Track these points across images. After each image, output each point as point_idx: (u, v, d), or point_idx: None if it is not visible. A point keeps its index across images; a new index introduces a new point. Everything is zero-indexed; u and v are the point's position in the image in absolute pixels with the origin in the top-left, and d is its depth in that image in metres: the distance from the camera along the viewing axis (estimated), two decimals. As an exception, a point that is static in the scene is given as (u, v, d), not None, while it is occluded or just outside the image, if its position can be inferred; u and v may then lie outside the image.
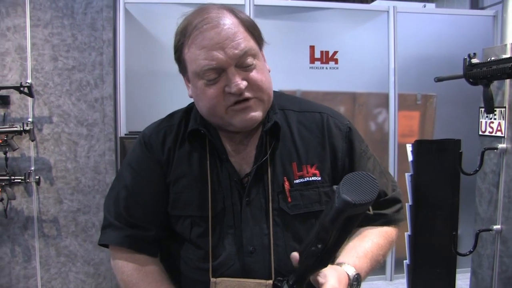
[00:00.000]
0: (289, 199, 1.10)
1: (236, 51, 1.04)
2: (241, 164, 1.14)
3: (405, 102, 4.22)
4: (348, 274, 0.98)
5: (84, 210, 3.81)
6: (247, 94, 1.05)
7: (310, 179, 1.12)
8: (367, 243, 1.10)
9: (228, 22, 1.06)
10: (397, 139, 4.17)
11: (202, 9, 1.09)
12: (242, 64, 1.05)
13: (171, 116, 1.23)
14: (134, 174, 1.17)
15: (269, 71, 1.15)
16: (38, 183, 3.66)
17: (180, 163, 1.15)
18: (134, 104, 3.81)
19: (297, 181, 1.12)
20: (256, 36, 1.11)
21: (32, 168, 3.68)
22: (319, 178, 1.13)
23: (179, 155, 1.15)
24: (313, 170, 1.13)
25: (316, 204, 1.12)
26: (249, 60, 1.06)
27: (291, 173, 1.12)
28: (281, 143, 1.13)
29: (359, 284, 1.00)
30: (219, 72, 1.05)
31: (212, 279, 1.08)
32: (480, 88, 1.74)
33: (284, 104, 1.20)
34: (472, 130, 2.20)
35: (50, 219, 3.79)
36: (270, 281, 1.06)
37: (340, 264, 1.01)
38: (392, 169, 4.19)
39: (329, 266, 0.94)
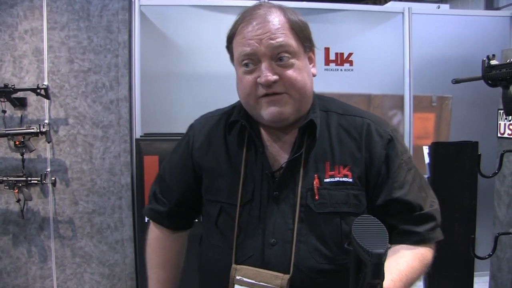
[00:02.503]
0: (317, 197, 1.11)
1: (272, 42, 1.07)
2: (276, 158, 1.16)
3: (420, 104, 4.19)
4: None
5: (100, 212, 3.84)
6: (277, 89, 1.08)
7: (341, 179, 1.12)
8: (402, 266, 1.07)
9: (274, 19, 1.10)
10: (413, 141, 4.14)
11: (255, 6, 1.15)
12: (278, 59, 1.09)
13: (219, 109, 1.32)
14: (170, 155, 1.34)
15: (314, 76, 1.19)
16: (54, 184, 3.70)
17: (217, 150, 1.21)
18: (149, 106, 3.84)
19: (327, 180, 1.12)
20: (301, 37, 1.14)
21: (48, 170, 3.71)
22: (351, 180, 1.13)
23: (217, 142, 1.22)
24: (345, 171, 1.13)
25: (344, 206, 1.12)
26: (286, 56, 1.09)
27: (323, 172, 1.12)
28: (318, 143, 1.14)
29: None
30: (255, 62, 1.10)
31: (233, 265, 1.12)
32: (497, 90, 1.72)
33: (329, 106, 1.22)
34: (488, 132, 2.17)
35: (66, 220, 3.82)
36: (288, 276, 1.08)
37: None
38: (407, 171, 4.16)
39: None
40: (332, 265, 1.12)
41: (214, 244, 1.19)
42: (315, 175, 1.12)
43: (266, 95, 1.08)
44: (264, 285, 1.08)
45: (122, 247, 3.89)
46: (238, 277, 1.10)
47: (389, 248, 0.84)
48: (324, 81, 3.92)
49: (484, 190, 2.40)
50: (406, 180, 1.15)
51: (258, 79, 1.08)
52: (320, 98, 1.22)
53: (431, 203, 1.19)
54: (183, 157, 1.28)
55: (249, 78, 1.10)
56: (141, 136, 3.67)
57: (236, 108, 1.23)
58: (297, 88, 1.10)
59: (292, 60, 1.10)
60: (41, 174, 3.63)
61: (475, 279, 2.36)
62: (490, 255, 1.80)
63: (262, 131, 1.18)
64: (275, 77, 1.07)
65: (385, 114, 4.16)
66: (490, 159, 1.78)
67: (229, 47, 1.19)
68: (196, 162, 1.24)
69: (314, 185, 1.11)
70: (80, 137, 3.75)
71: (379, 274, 0.82)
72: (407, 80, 4.11)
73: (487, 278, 2.03)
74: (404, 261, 1.08)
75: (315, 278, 1.10)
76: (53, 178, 3.67)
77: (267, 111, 1.09)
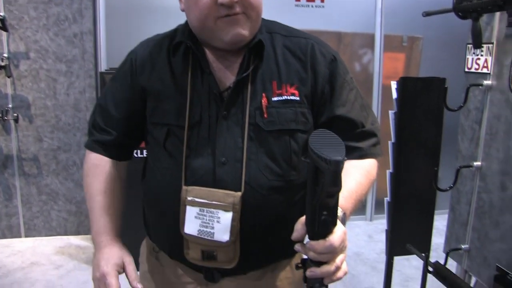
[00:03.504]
0: (265, 115, 1.11)
1: None
2: (223, 79, 1.14)
3: (390, 44, 4.17)
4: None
5: (65, 148, 3.77)
6: (238, 9, 1.05)
7: (289, 97, 1.13)
8: (351, 183, 1.10)
9: None
10: (382, 80, 4.16)
11: None
12: None
13: (159, 34, 1.26)
14: (110, 83, 1.28)
15: None
16: (16, 120, 3.59)
17: (161, 73, 1.17)
18: (115, 40, 3.70)
19: (275, 98, 1.12)
20: None
21: (10, 106, 3.59)
22: (298, 98, 1.13)
23: (161, 64, 1.17)
24: (292, 90, 1.13)
25: (292, 123, 1.13)
26: None
27: (270, 91, 1.12)
28: (264, 63, 1.14)
29: (344, 224, 1.01)
30: None
31: (184, 187, 1.11)
32: (467, 29, 1.71)
33: (273, 27, 1.20)
34: (457, 74, 2.17)
35: (30, 158, 3.75)
36: (239, 193, 1.09)
37: None
38: (375, 110, 4.20)
39: None
40: (282, 182, 1.14)
41: (163, 167, 1.18)
42: (263, 94, 1.12)
43: (227, 15, 1.04)
44: (216, 203, 1.09)
45: (89, 184, 3.86)
46: (189, 198, 1.10)
47: (345, 160, 0.84)
48: (294, 17, 3.84)
49: (449, 127, 2.44)
50: (349, 98, 1.18)
51: (219, 0, 1.04)
52: (263, 20, 1.20)
53: (372, 122, 1.22)
54: (126, 83, 1.22)
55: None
56: (106, 71, 3.56)
57: (179, 31, 1.19)
58: (253, 7, 1.07)
59: None
60: (2, 110, 3.52)
61: (435, 217, 2.43)
62: (451, 187, 1.84)
63: (208, 53, 1.15)
64: None
65: (355, 52, 4.14)
66: (458, 99, 1.79)
67: None
68: (140, 85, 1.20)
69: (263, 103, 1.11)
70: (42, 72, 3.62)
71: (338, 181, 0.83)
72: (378, 18, 4.07)
73: (446, 216, 2.09)
74: (352, 179, 1.11)
75: (266, 195, 1.12)
76: (15, 115, 3.57)
77: (227, 32, 1.06)
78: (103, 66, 3.68)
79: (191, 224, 1.11)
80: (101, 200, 1.24)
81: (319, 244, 0.88)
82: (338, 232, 0.90)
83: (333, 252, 0.90)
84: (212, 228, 1.10)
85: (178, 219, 1.12)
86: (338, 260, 0.91)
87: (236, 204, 1.08)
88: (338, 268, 0.92)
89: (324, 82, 1.15)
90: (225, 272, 1.18)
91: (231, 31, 1.06)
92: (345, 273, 0.94)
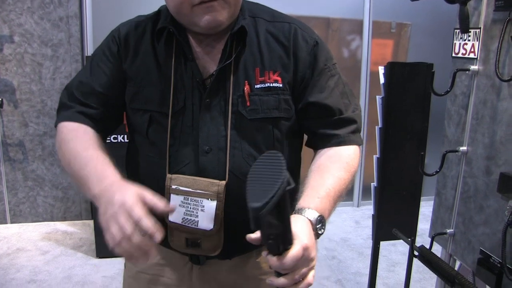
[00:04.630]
0: (248, 103, 1.10)
1: None
2: (206, 66, 1.13)
3: (379, 30, 4.17)
4: (310, 220, 0.97)
5: (51, 134, 3.73)
6: None
7: (272, 85, 1.11)
8: (328, 180, 1.07)
9: None
10: (370, 66, 4.16)
11: None
12: None
13: (142, 15, 1.22)
14: (92, 61, 1.21)
15: None
16: (1, 105, 3.55)
17: (144, 58, 1.14)
18: (101, 23, 3.64)
19: (258, 86, 1.11)
20: None
21: (-5, 90, 3.55)
22: (281, 85, 1.11)
23: (145, 49, 1.14)
24: (275, 77, 1.11)
25: (275, 111, 1.11)
26: None
27: (253, 78, 1.11)
28: (247, 49, 1.12)
29: (323, 225, 1.00)
30: None
31: (168, 175, 1.10)
32: (455, 15, 1.71)
33: (256, 12, 1.18)
34: (445, 61, 2.18)
35: (16, 143, 3.71)
36: (223, 182, 1.08)
37: (301, 210, 0.99)
38: (363, 96, 4.20)
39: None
40: None
41: (146, 155, 1.16)
42: (246, 82, 1.10)
43: (202, 2, 1.02)
44: (200, 192, 1.08)
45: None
46: (174, 186, 1.10)
47: (291, 187, 0.78)
48: (283, 2, 3.81)
49: (436, 114, 2.45)
50: (328, 85, 1.15)
51: None
52: (247, 3, 1.18)
53: (354, 109, 1.19)
54: (110, 62, 1.17)
55: None
56: (92, 56, 3.52)
57: (162, 14, 1.16)
58: None
59: None
60: (-14, 95, 3.47)
61: (421, 203, 2.45)
62: (437, 172, 1.85)
63: (190, 39, 1.13)
64: None
65: (343, 38, 4.13)
66: (446, 85, 1.79)
67: None
68: (123, 68, 1.16)
69: (245, 91, 1.10)
70: (27, 56, 3.57)
71: (259, 226, 0.78)
72: (367, 4, 4.06)
73: (431, 202, 2.10)
74: (330, 176, 1.08)
75: None
76: (-1, 99, 3.52)
77: (204, 19, 1.04)
78: (89, 51, 3.64)
79: (175, 213, 1.11)
80: (93, 153, 1.07)
81: (272, 259, 0.85)
82: (294, 250, 0.84)
83: (288, 268, 0.86)
84: (197, 216, 1.10)
85: None
86: (299, 273, 0.87)
87: (220, 193, 1.08)
88: (297, 281, 0.88)
89: (305, 68, 1.13)
90: (210, 256, 1.18)
91: (206, 17, 1.04)
92: (309, 285, 0.91)
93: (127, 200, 0.87)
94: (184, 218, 1.11)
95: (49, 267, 3.16)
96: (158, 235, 0.84)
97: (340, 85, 1.18)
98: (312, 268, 0.92)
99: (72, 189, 3.89)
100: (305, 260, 0.88)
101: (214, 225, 1.09)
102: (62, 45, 3.60)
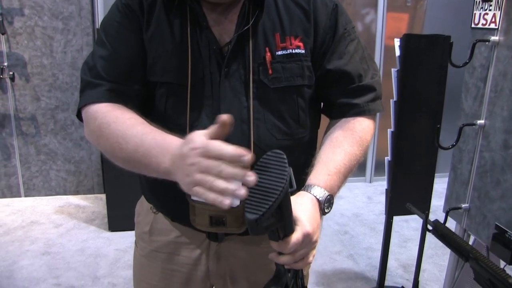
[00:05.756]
0: (270, 71, 1.04)
1: None
2: (222, 33, 1.06)
3: (394, 3, 4.07)
4: (318, 199, 0.95)
5: (63, 108, 3.74)
6: None
7: (294, 51, 1.06)
8: (339, 155, 1.04)
9: None
10: (384, 40, 4.08)
11: None
12: None
13: None
14: (111, 32, 1.08)
15: None
16: (12, 79, 3.54)
17: (158, 27, 1.07)
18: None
19: (279, 52, 1.05)
20: None
21: (5, 64, 3.54)
22: (303, 51, 1.06)
23: (157, 18, 1.07)
24: (296, 42, 1.06)
25: (298, 78, 1.06)
26: None
27: (274, 44, 1.05)
28: (265, 14, 1.06)
29: (331, 204, 0.98)
30: None
31: None
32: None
33: None
34: (462, 36, 2.12)
35: (28, 117, 3.72)
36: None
37: (309, 187, 0.97)
38: (377, 71, 4.13)
39: (296, 200, 0.91)
40: (291, 140, 1.08)
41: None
42: (266, 48, 1.04)
43: None
44: None
45: (88, 144, 3.84)
46: None
47: (293, 191, 0.77)
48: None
49: (451, 89, 2.40)
50: (348, 50, 1.10)
51: None
52: None
53: (373, 75, 1.14)
54: (130, 26, 1.07)
55: None
56: (103, 29, 3.49)
57: None
58: None
59: None
60: (-2, 68, 3.47)
61: (435, 180, 2.42)
62: (453, 145, 1.81)
63: (204, 5, 1.06)
64: None
65: (357, 12, 4.04)
66: (461, 61, 1.73)
67: None
68: (141, 37, 1.07)
69: (267, 59, 1.04)
70: (38, 30, 3.54)
71: (257, 233, 0.77)
72: (382, -24, 3.96)
73: (445, 179, 2.07)
74: (341, 151, 1.05)
75: None
76: (11, 73, 3.51)
77: None
78: (100, 23, 3.61)
79: None
80: (143, 128, 0.96)
81: (273, 243, 0.86)
82: (294, 237, 0.84)
83: (288, 252, 0.86)
84: None
85: None
86: (298, 254, 0.87)
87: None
88: (297, 260, 0.89)
89: (325, 33, 1.08)
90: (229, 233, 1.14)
91: None
92: (308, 264, 0.92)
93: (197, 145, 0.78)
94: None
95: (63, 240, 3.19)
96: (248, 155, 0.75)
97: (360, 50, 1.13)
98: (313, 249, 0.92)
99: (84, 163, 3.90)
100: (306, 244, 0.88)
101: (240, 201, 1.04)
102: (73, 18, 3.57)
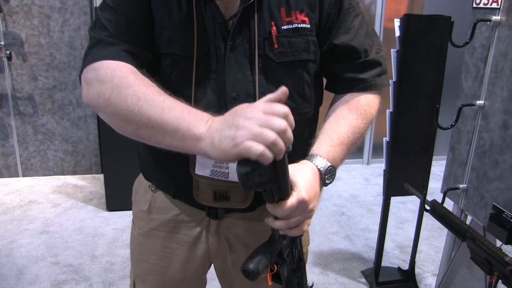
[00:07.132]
0: (276, 46, 1.03)
1: None
2: (227, 7, 1.05)
3: (394, -16, 4.04)
4: (319, 169, 0.96)
5: (60, 87, 3.72)
6: None
7: (299, 25, 1.05)
8: (343, 127, 1.04)
9: None
10: (383, 23, 4.05)
11: None
12: None
13: None
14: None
15: None
16: (9, 58, 3.52)
17: None
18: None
19: (285, 27, 1.04)
20: None
21: (2, 43, 3.51)
22: (308, 26, 1.05)
23: None
24: (302, 17, 1.05)
25: (304, 53, 1.05)
26: None
27: (279, 19, 1.04)
28: None
29: (332, 175, 0.98)
30: None
31: None
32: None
33: None
34: (462, 19, 2.10)
35: (25, 97, 3.70)
36: None
37: (311, 157, 0.98)
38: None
39: (296, 168, 0.92)
40: (296, 115, 1.05)
41: None
42: (272, 22, 1.03)
43: None
44: None
45: (85, 124, 3.83)
46: None
47: (289, 152, 0.78)
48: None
49: (449, 68, 2.39)
50: (353, 25, 1.10)
51: None
52: None
53: (378, 50, 1.14)
54: None
55: None
56: (101, 8, 3.45)
57: None
58: None
59: None
60: (-6, 47, 3.44)
61: (432, 162, 2.42)
62: (452, 126, 1.81)
63: None
64: None
65: (358, -8, 4.01)
66: (461, 42, 1.72)
67: None
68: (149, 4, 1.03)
69: (272, 33, 1.03)
70: (35, 8, 3.51)
71: (249, 188, 0.77)
72: (383, -43, 3.92)
73: (442, 162, 2.07)
74: (345, 123, 1.05)
75: None
76: (7, 52, 3.49)
77: None
78: (98, 2, 3.57)
79: (203, 165, 1.05)
80: (170, 97, 0.90)
81: (269, 206, 0.87)
82: (289, 202, 0.86)
83: (282, 217, 0.88)
84: (227, 168, 1.04)
85: (187, 160, 1.05)
86: (293, 221, 0.89)
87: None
88: (291, 226, 0.90)
89: (330, 8, 1.07)
90: (231, 209, 1.14)
91: None
92: (302, 232, 0.93)
93: (260, 103, 0.77)
94: (213, 170, 1.04)
95: (61, 219, 3.20)
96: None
97: (364, 25, 1.13)
98: (308, 218, 0.93)
99: (82, 143, 3.90)
100: (301, 211, 0.89)
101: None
102: (70, -4, 3.53)
